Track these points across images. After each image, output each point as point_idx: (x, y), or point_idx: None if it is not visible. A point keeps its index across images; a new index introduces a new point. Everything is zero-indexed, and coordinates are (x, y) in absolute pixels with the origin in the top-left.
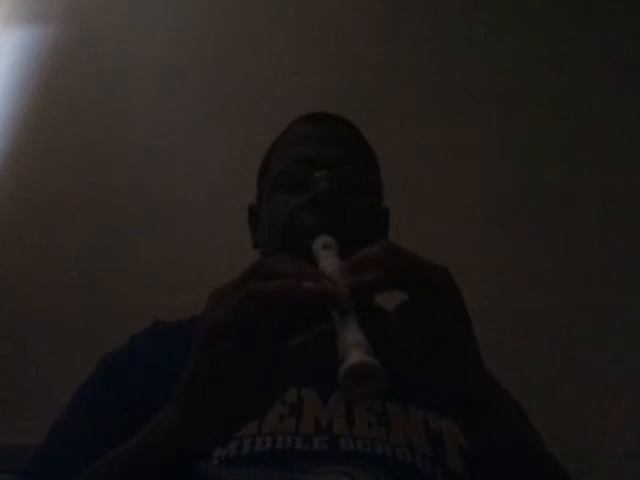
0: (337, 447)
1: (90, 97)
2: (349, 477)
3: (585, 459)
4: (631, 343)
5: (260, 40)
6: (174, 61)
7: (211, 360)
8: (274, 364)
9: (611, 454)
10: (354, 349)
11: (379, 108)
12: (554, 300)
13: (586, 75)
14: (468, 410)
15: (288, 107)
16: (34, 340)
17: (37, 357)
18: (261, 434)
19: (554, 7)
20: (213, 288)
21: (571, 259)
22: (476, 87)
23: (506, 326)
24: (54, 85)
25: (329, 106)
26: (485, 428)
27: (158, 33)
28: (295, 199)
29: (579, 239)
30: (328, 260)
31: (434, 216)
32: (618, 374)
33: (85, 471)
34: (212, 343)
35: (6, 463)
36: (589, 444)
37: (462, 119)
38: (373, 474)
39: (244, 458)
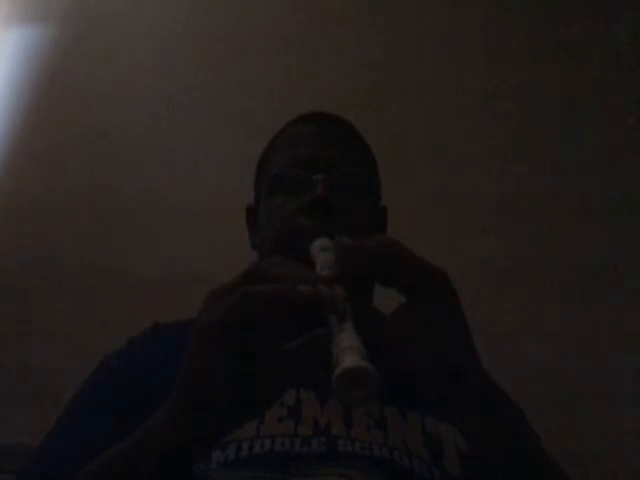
0: (335, 448)
1: (90, 97)
2: (347, 479)
3: (584, 459)
4: (631, 343)
5: (260, 40)
6: (174, 61)
7: (204, 360)
8: (269, 366)
9: (609, 454)
10: (348, 353)
11: (379, 108)
12: (555, 301)
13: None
14: (467, 412)
15: (288, 107)
16: (34, 340)
17: (37, 357)
18: (260, 436)
19: (556, 5)
20: (212, 289)
21: (570, 258)
22: (477, 87)
23: (505, 326)
24: (54, 85)
25: (329, 106)
26: (484, 429)
27: (158, 33)
28: (292, 202)
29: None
30: (325, 263)
31: (433, 215)
32: (618, 374)
33: (81, 471)
34: (205, 344)
35: (6, 463)
36: (588, 444)
37: (463, 119)
38: (371, 476)
39: (242, 461)
